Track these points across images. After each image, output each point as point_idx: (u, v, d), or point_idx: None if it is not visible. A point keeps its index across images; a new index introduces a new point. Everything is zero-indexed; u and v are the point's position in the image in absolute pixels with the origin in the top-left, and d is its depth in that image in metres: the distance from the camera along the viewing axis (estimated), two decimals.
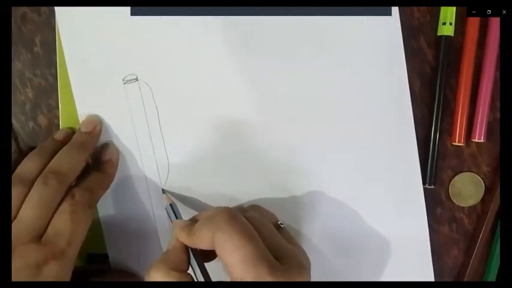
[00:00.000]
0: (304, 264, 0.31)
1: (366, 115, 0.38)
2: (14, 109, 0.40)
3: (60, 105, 0.39)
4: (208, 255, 0.32)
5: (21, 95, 0.40)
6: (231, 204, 0.38)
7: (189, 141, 0.38)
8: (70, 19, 0.38)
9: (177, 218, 0.36)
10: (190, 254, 0.32)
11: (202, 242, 0.31)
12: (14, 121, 0.40)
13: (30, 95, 0.40)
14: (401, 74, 0.38)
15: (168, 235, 0.39)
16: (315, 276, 0.32)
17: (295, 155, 0.38)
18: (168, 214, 0.37)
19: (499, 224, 0.40)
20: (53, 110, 0.40)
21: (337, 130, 0.38)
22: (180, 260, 0.32)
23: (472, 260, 0.40)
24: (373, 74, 0.38)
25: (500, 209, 0.39)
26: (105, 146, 0.38)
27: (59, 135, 0.38)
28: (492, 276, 0.40)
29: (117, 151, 0.38)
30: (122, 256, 0.40)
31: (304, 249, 0.34)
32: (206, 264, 0.33)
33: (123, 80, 0.38)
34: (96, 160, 0.38)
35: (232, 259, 0.29)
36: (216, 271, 0.32)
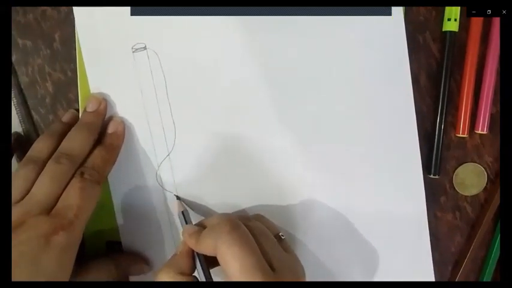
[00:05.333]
0: (297, 273, 0.33)
1: (368, 114, 0.39)
2: (34, 102, 0.42)
3: (79, 99, 0.40)
4: (214, 261, 0.33)
5: (42, 89, 0.41)
6: (235, 188, 0.40)
7: (195, 110, 0.40)
8: None
9: (187, 223, 0.38)
10: (196, 258, 0.35)
11: (206, 249, 0.33)
12: (34, 114, 0.42)
13: (50, 89, 0.41)
14: (404, 74, 0.39)
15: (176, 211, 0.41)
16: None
17: (299, 152, 0.40)
18: (179, 219, 0.38)
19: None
20: (72, 103, 0.41)
21: (340, 128, 0.40)
22: (186, 265, 0.35)
23: (473, 245, 0.41)
24: (377, 72, 0.39)
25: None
26: (110, 118, 0.39)
27: (65, 118, 0.40)
28: (493, 262, 0.42)
29: (122, 123, 0.39)
30: (133, 233, 0.41)
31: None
32: (213, 270, 0.35)
33: (132, 48, 0.39)
34: (102, 133, 0.39)
35: (232, 268, 0.31)
36: (221, 276, 0.34)
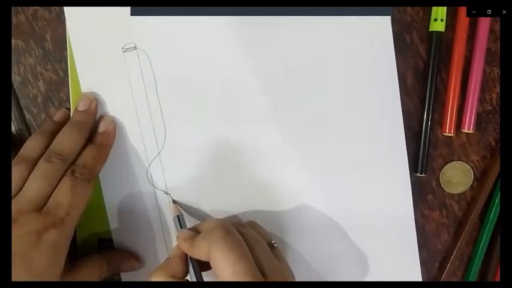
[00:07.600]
0: (288, 281, 0.34)
1: (355, 114, 0.40)
2: (27, 102, 0.42)
3: (70, 98, 0.41)
4: (207, 265, 0.34)
5: (34, 89, 0.42)
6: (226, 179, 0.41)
7: (185, 108, 0.40)
8: None
9: (181, 227, 0.38)
10: (189, 262, 0.35)
11: (200, 254, 0.34)
12: (26, 113, 0.42)
13: (42, 88, 0.42)
14: (391, 73, 0.39)
15: (166, 210, 0.41)
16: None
17: (291, 159, 0.40)
18: (174, 223, 0.39)
19: (487, 209, 0.42)
20: (63, 102, 0.42)
21: (328, 129, 0.40)
22: (179, 268, 0.35)
23: (459, 242, 0.42)
24: (364, 72, 0.40)
25: (498, 203, 0.42)
26: (101, 117, 0.40)
27: (57, 117, 0.40)
28: (479, 259, 0.42)
29: (113, 122, 0.40)
30: (124, 231, 0.42)
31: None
32: (205, 273, 0.36)
33: (122, 48, 0.40)
34: (93, 132, 0.39)
35: (224, 273, 0.31)
36: (213, 280, 0.34)
